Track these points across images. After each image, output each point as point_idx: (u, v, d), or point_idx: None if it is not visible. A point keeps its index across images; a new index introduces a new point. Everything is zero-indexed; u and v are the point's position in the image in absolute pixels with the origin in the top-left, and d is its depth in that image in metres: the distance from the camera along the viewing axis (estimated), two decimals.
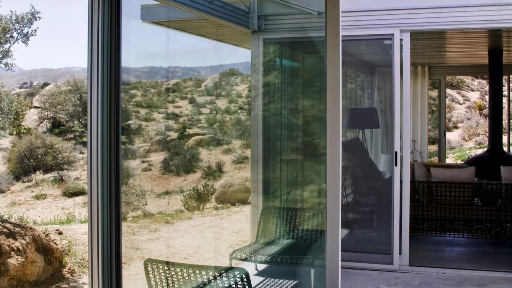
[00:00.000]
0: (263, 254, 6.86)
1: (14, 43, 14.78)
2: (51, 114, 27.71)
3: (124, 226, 12.10)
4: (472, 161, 12.16)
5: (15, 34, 14.89)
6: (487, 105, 20.85)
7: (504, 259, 7.63)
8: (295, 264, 6.70)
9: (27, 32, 14.97)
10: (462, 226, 8.50)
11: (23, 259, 7.46)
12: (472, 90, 36.39)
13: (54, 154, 22.44)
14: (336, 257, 3.83)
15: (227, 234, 11.40)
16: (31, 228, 8.14)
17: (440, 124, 14.97)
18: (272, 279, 6.80)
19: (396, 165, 7.24)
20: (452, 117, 31.65)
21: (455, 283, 6.77)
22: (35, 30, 15.20)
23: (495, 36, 9.43)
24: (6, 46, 14.64)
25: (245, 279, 4.14)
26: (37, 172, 21.56)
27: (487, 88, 27.15)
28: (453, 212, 8.48)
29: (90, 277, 4.21)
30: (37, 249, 7.84)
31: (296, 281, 6.70)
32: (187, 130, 22.69)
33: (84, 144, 25.29)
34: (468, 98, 35.17)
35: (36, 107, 28.83)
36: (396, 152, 7.24)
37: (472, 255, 8.19)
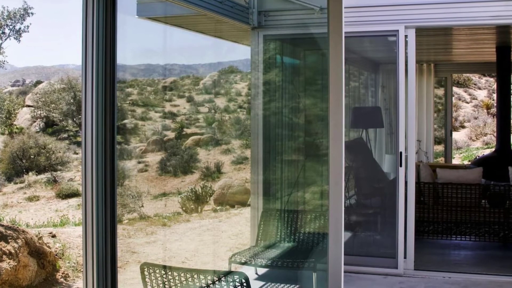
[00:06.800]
0: (264, 258, 6.82)
1: (5, 39, 14.76)
2: (44, 113, 27.70)
3: (120, 228, 12.05)
4: (479, 162, 12.19)
5: (7, 31, 14.86)
6: (495, 104, 21.00)
7: None
8: (296, 268, 6.63)
9: (20, 28, 14.98)
10: (469, 229, 8.42)
11: (15, 263, 7.33)
12: (480, 88, 36.53)
13: (47, 155, 22.45)
14: (339, 261, 3.76)
15: (226, 237, 11.37)
16: (23, 231, 8.03)
17: (446, 124, 15.03)
18: (273, 284, 6.77)
19: (400, 165, 7.17)
20: (458, 116, 31.74)
21: (462, 287, 6.68)
22: (28, 26, 15.21)
23: (503, 33, 9.43)
24: None
25: (244, 284, 4.04)
26: (30, 173, 21.56)
27: (495, 86, 27.28)
28: (460, 214, 8.40)
29: (85, 282, 4.17)
30: (29, 252, 7.73)
31: (297, 286, 6.67)
32: (184, 129, 22.71)
33: (78, 144, 25.32)
34: (475, 97, 35.29)
35: (28, 106, 28.79)
36: (400, 153, 7.17)
37: (479, 258, 8.11)
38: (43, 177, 21.44)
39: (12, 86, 37.92)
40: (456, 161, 22.21)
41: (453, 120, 27.12)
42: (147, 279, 4.27)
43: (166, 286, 4.22)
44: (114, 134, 4.21)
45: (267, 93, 8.11)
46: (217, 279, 4.07)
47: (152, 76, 23.85)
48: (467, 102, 34.47)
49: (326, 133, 3.73)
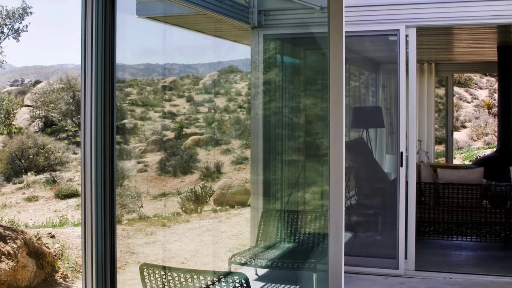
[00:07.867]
0: (264, 258, 6.80)
1: (4, 39, 14.74)
2: (43, 113, 27.67)
3: (119, 229, 12.04)
4: (480, 162, 12.18)
5: (5, 30, 14.83)
6: (496, 104, 21.02)
7: None
8: (296, 269, 6.61)
9: (18, 27, 14.97)
10: (470, 229, 8.38)
11: (14, 264, 7.30)
12: (481, 88, 36.49)
13: (46, 155, 22.44)
14: (339, 262, 3.72)
15: (226, 237, 11.36)
16: (22, 232, 8.00)
17: (447, 124, 15.04)
18: (273, 284, 6.74)
19: (401, 166, 7.13)
20: (459, 116, 31.71)
21: None
22: (27, 26, 15.22)
23: (504, 32, 9.40)
24: None
25: (244, 284, 4.02)
26: (29, 173, 21.53)
27: (496, 86, 27.27)
28: (461, 215, 8.36)
29: (84, 282, 4.14)
30: (28, 253, 7.70)
31: (297, 287, 6.66)
32: (184, 129, 22.69)
33: (78, 144, 25.28)
34: (477, 97, 35.25)
35: (27, 106, 28.76)
36: (401, 153, 7.14)
37: (480, 259, 8.08)
38: (42, 177, 21.42)
39: (11, 85, 37.85)
40: (457, 161, 22.17)
41: (454, 120, 27.07)
42: (146, 280, 4.25)
43: (165, 286, 4.20)
44: (114, 134, 4.18)
45: (267, 93, 8.09)
46: (217, 279, 4.05)
47: (151, 76, 23.81)
48: (468, 102, 34.44)
49: (327, 133, 3.69)
